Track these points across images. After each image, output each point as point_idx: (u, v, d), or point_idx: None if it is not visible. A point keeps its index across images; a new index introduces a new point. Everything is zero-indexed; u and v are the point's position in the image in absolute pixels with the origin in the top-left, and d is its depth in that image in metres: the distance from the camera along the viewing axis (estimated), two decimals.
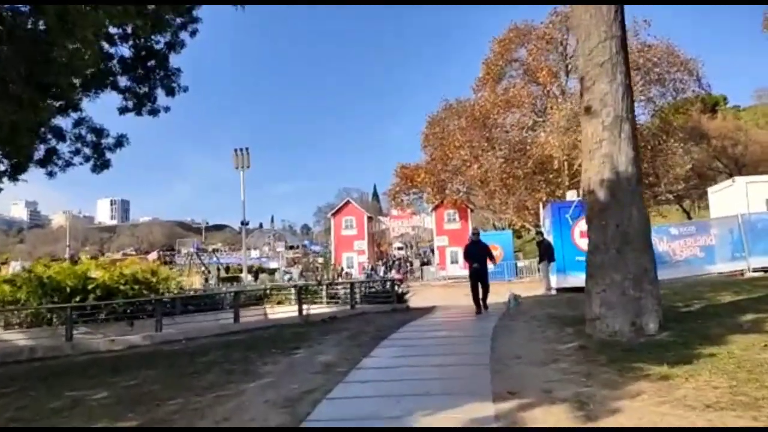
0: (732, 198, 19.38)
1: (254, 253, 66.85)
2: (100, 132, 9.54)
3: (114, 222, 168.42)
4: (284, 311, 13.64)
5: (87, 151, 9.33)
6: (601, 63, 7.36)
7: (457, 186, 34.75)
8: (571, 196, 20.74)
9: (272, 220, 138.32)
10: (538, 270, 28.19)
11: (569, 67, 29.94)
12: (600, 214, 7.16)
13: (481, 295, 11.46)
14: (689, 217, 37.09)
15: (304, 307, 13.23)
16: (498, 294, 17.73)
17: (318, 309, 13.55)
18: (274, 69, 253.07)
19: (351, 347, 8.23)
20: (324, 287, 15.96)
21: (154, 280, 15.88)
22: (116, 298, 14.40)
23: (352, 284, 14.39)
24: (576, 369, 5.71)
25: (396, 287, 14.91)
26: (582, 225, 20.41)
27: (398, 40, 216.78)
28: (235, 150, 49.41)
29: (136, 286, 15.77)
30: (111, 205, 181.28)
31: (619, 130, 7.20)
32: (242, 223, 50.04)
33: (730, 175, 37.04)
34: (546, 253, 16.94)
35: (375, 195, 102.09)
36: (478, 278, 11.49)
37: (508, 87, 31.03)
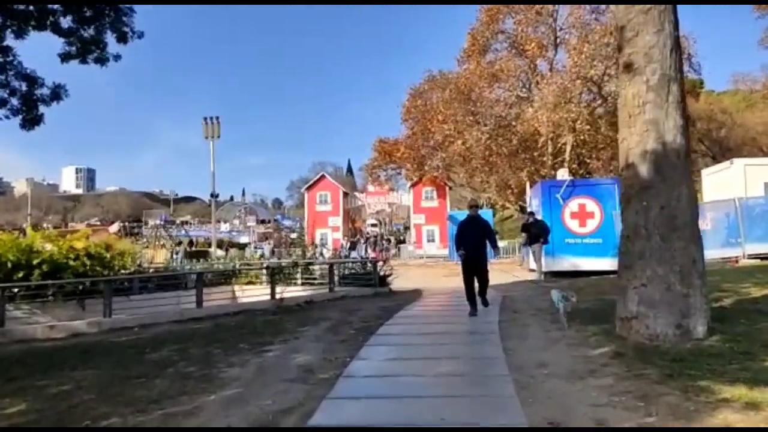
0: (728, 181, 18.58)
1: (224, 227, 64.77)
2: (32, 80, 7.87)
3: (79, 191, 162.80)
4: (255, 293, 12.23)
5: (15, 102, 7.66)
6: (646, 10, 6.06)
7: (437, 162, 33.46)
8: (562, 175, 19.67)
9: (243, 193, 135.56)
10: (520, 251, 27.36)
11: (558, 40, 28.69)
12: (641, 193, 5.94)
13: (477, 290, 8.74)
14: None
15: (278, 289, 11.86)
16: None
17: (293, 292, 12.20)
18: (247, 37, 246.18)
19: (334, 344, 6.93)
20: (299, 268, 14.57)
21: (108, 255, 14.23)
22: (66, 275, 12.78)
23: (331, 265, 13.03)
24: (624, 387, 4.52)
25: (378, 269, 13.62)
26: (573, 206, 19.46)
27: (379, 10, 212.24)
28: (205, 119, 47.08)
29: (89, 262, 14.12)
30: (76, 173, 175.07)
31: (666, 92, 5.96)
32: (212, 195, 47.99)
33: (714, 159, 36.66)
34: (541, 234, 15.83)
35: (349, 170, 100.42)
36: (475, 269, 8.68)
37: (493, 60, 29.68)
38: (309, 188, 42.36)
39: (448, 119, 27.59)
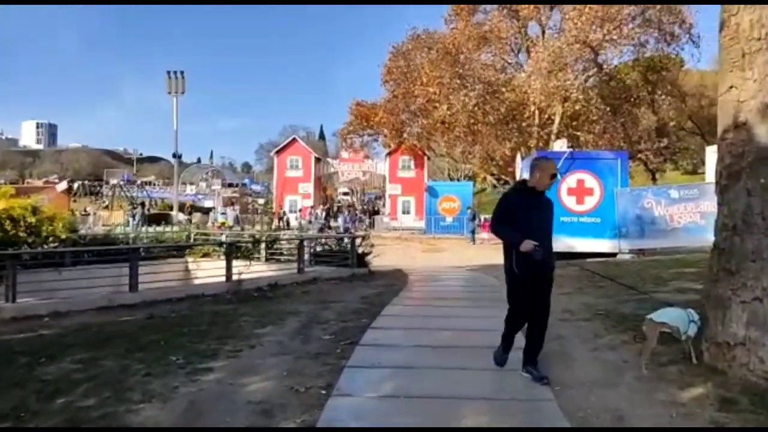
0: None
1: (190, 190, 61.67)
2: None
3: (40, 147, 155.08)
4: (210, 270, 10.15)
5: None
6: None
7: (417, 129, 31.39)
8: (560, 146, 17.94)
9: (211, 156, 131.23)
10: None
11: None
12: (757, 166, 4.10)
13: (526, 331, 4.55)
14: (654, 179, 35.65)
15: (239, 265, 9.78)
16: (460, 258, 14.62)
17: (255, 271, 10.15)
18: None
19: (303, 359, 5.01)
20: (263, 243, 12.52)
21: (33, 220, 11.94)
22: None
23: (301, 241, 10.96)
24: None
25: (356, 246, 11.69)
26: (570, 181, 17.76)
27: None
28: (168, 73, 43.84)
29: (11, 228, 11.85)
30: (37, 128, 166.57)
31: None
32: (174, 156, 45.11)
33: (702, 137, 35.59)
34: None
35: (322, 136, 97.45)
36: (539, 284, 4.30)
37: (483, 21, 27.52)
38: (279, 152, 39.72)
39: (433, 82, 25.44)
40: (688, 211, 16.33)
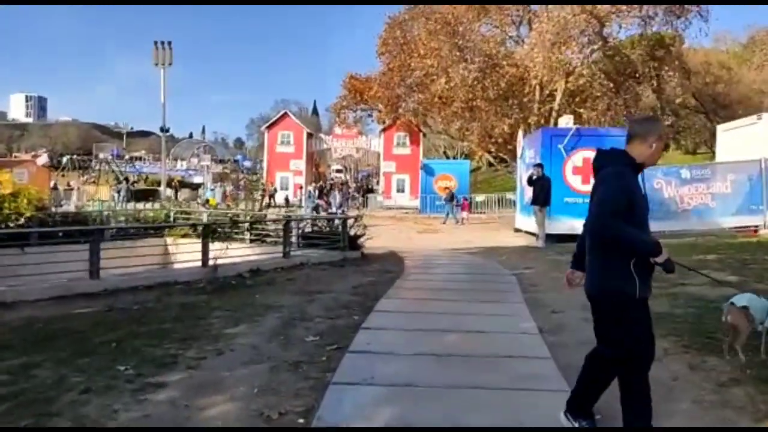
0: (754, 138, 16.18)
1: (181, 165, 60.26)
2: None
3: (30, 120, 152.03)
4: (187, 254, 9.20)
5: None
6: None
7: (413, 105, 30.20)
8: (566, 122, 16.95)
9: (203, 131, 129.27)
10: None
11: None
12: None
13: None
14: None
15: (218, 248, 8.79)
16: (457, 239, 14.01)
17: (237, 255, 9.19)
18: None
19: (281, 373, 4.10)
20: (245, 224, 11.55)
21: None
22: None
23: (287, 222, 9.95)
24: None
25: (348, 227, 10.74)
26: (576, 159, 16.80)
27: None
28: (156, 43, 42.28)
29: None
30: (26, 101, 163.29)
31: None
32: (162, 130, 43.74)
33: (706, 115, 34.63)
34: (542, 193, 13.18)
35: (315, 111, 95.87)
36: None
37: None
38: (270, 127, 38.37)
39: (431, 54, 24.21)
40: (699, 193, 15.49)
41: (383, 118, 33.10)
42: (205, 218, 12.99)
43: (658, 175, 15.73)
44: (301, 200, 31.60)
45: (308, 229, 11.41)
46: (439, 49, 24.08)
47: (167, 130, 44.34)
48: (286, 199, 33.27)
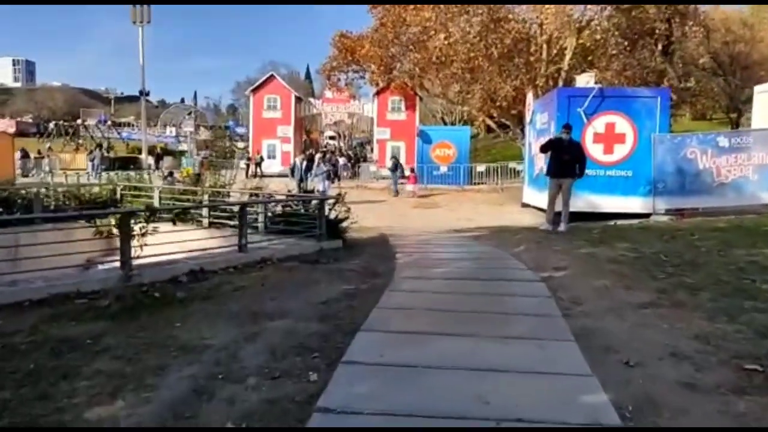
0: None
1: (170, 132, 57.47)
2: None
3: (18, 84, 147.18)
4: (110, 250, 7.07)
5: None
6: None
7: (408, 66, 27.70)
8: (586, 82, 14.68)
9: (195, 96, 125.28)
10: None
11: None
12: None
13: None
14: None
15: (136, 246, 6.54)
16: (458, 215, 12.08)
17: (188, 241, 7.10)
18: None
19: None
20: (204, 197, 9.41)
21: None
22: None
23: (242, 206, 7.68)
24: None
25: (326, 210, 8.61)
26: (598, 125, 14.56)
27: None
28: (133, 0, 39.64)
29: None
30: (14, 65, 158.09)
31: None
32: (141, 93, 41.21)
33: (724, 77, 32.21)
34: (577, 161, 10.88)
35: (308, 76, 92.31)
36: None
37: None
38: (255, 90, 35.70)
39: (429, 6, 21.66)
40: (739, 164, 13.39)
41: (376, 79, 30.52)
42: (156, 196, 10.81)
43: (692, 144, 13.60)
44: (292, 170, 28.02)
45: (279, 210, 9.28)
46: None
47: (147, 94, 41.73)
48: (292, 169, 27.62)
